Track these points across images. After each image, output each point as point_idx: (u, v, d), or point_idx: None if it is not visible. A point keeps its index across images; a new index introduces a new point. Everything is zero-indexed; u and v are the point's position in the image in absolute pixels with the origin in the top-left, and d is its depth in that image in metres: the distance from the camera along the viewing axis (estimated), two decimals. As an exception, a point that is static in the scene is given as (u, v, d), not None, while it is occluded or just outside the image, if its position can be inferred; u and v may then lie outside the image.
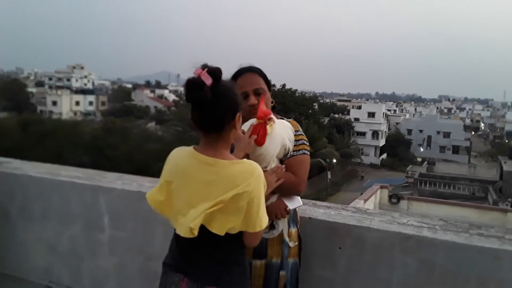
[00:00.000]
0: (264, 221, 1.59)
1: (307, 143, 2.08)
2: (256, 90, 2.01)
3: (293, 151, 1.97)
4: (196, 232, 1.54)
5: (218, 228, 1.56)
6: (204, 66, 1.53)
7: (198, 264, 1.65)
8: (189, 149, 1.65)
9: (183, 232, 1.57)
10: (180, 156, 1.66)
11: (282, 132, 1.92)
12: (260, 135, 1.82)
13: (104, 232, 3.01)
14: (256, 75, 2.04)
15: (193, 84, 1.52)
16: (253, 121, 1.88)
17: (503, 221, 15.18)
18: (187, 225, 1.54)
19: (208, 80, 1.50)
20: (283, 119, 2.06)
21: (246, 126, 1.88)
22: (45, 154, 18.45)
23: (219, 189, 1.54)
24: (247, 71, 2.05)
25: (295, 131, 2.01)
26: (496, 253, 1.98)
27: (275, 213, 1.93)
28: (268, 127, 1.83)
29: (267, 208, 1.89)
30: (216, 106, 1.53)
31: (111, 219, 2.99)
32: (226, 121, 1.58)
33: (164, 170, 1.71)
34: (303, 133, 2.08)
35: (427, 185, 30.22)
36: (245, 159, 1.63)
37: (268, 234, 1.95)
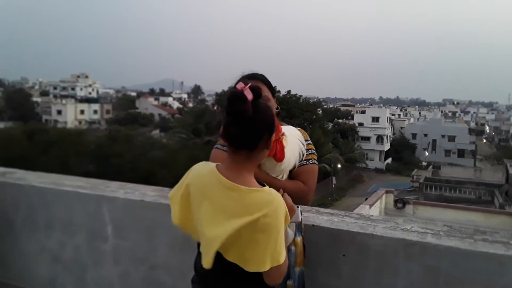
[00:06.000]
0: (282, 255, 1.52)
1: (315, 153, 2.09)
2: None
3: (303, 160, 1.97)
4: (210, 266, 1.52)
5: (235, 257, 1.52)
6: (246, 82, 1.54)
7: None
8: (212, 167, 1.61)
9: (204, 262, 1.56)
10: (202, 173, 1.62)
11: (295, 143, 1.92)
12: (278, 151, 1.81)
13: (107, 241, 3.01)
14: (259, 83, 2.03)
15: (236, 97, 1.50)
16: None
17: (510, 225, 15.07)
18: (205, 256, 1.54)
19: (249, 96, 1.49)
20: (287, 125, 2.05)
21: None
22: (51, 163, 18.55)
23: (234, 215, 1.50)
24: (252, 78, 2.04)
25: (304, 140, 2.02)
26: (501, 258, 1.95)
27: None
28: (283, 141, 1.83)
29: None
30: (254, 122, 1.51)
31: (115, 229, 2.99)
32: (261, 139, 1.55)
33: (185, 180, 1.68)
34: (311, 142, 2.09)
35: (433, 189, 30.09)
36: (266, 187, 1.57)
37: None
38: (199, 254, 1.68)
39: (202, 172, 1.62)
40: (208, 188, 1.57)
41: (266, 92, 2.03)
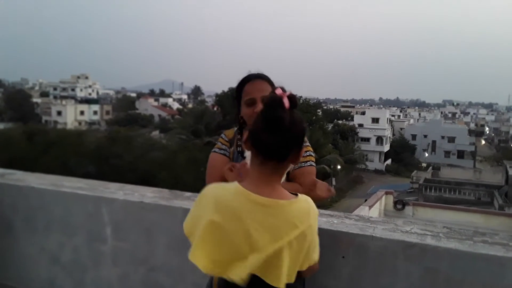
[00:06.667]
0: (318, 253, 1.57)
1: (314, 155, 2.08)
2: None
3: (301, 161, 1.97)
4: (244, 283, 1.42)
5: (275, 279, 1.44)
6: (284, 89, 1.47)
7: None
8: (236, 187, 1.47)
9: (237, 277, 1.42)
10: (226, 199, 1.46)
11: None
12: None
13: (106, 243, 3.00)
14: (265, 83, 2.03)
15: (275, 103, 1.42)
16: None
17: (510, 226, 15.07)
18: (242, 271, 1.42)
19: (287, 103, 1.42)
20: None
21: None
22: (51, 164, 18.54)
23: (279, 233, 1.42)
24: (257, 78, 2.03)
25: None
26: (501, 260, 1.95)
27: None
28: None
29: None
30: (289, 132, 1.42)
31: (114, 230, 2.98)
32: (292, 150, 1.46)
33: (201, 213, 1.49)
34: (309, 144, 2.08)
35: (432, 190, 30.10)
36: (300, 196, 1.52)
37: None
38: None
39: (226, 198, 1.46)
40: (242, 212, 1.42)
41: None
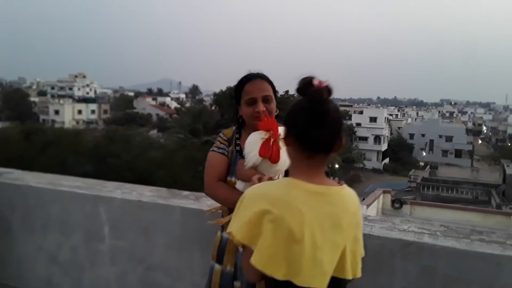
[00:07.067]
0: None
1: None
2: (265, 97, 1.98)
3: None
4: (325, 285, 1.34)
5: (343, 270, 1.39)
6: (319, 79, 1.41)
7: None
8: (285, 180, 1.44)
9: (317, 282, 1.32)
10: (277, 191, 1.38)
11: None
12: (274, 152, 1.80)
13: (104, 242, 3.01)
14: (266, 83, 2.02)
15: (321, 95, 1.38)
16: (256, 135, 1.86)
17: (507, 225, 15.13)
18: (323, 272, 1.33)
19: (328, 95, 1.39)
20: (283, 126, 2.05)
21: (254, 136, 1.88)
22: (48, 163, 18.48)
23: (341, 220, 1.38)
24: (258, 77, 2.02)
25: None
26: (498, 259, 1.96)
27: None
28: (280, 143, 1.82)
29: None
30: (334, 122, 1.39)
31: (112, 229, 2.98)
32: (337, 140, 1.41)
33: (256, 218, 1.35)
34: None
35: (430, 189, 30.12)
36: (344, 184, 1.50)
37: None
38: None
39: (277, 192, 1.39)
40: (299, 203, 1.35)
41: (270, 92, 2.02)
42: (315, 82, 1.39)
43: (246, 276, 1.47)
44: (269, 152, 1.79)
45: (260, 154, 1.80)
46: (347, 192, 1.46)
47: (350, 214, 1.42)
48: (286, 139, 1.45)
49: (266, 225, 1.33)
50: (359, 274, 1.45)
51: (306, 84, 1.41)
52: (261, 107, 1.96)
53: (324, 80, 1.41)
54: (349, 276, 1.40)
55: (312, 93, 1.38)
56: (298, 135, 1.40)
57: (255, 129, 1.88)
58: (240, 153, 2.03)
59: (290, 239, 1.31)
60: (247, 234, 1.35)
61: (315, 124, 1.37)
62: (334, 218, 1.37)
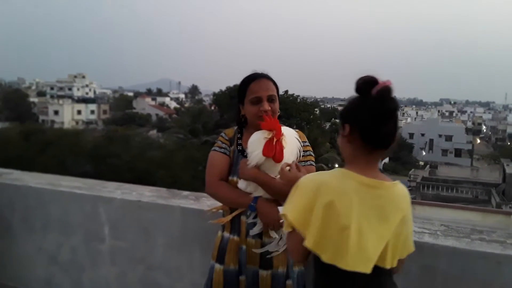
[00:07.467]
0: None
1: (313, 154, 2.08)
2: (270, 97, 1.98)
3: (301, 161, 1.97)
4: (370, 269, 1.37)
5: (392, 261, 1.44)
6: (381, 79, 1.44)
7: None
8: (340, 171, 1.47)
9: (362, 267, 1.37)
10: (332, 181, 1.43)
11: (294, 144, 1.93)
12: (277, 151, 1.81)
13: (104, 242, 3.00)
14: (270, 83, 2.03)
15: (391, 93, 1.41)
16: (259, 135, 1.86)
17: (507, 224, 15.14)
18: (368, 258, 1.37)
19: (393, 92, 1.42)
20: (285, 126, 2.05)
21: (256, 135, 1.87)
22: (48, 164, 18.48)
23: (388, 214, 1.42)
24: (263, 77, 2.03)
25: (302, 141, 2.02)
26: (498, 258, 1.96)
27: (267, 223, 1.89)
28: (283, 142, 1.83)
29: (263, 217, 1.88)
30: (396, 119, 1.43)
31: (112, 229, 2.98)
32: (396, 135, 1.45)
33: (309, 198, 1.42)
34: (309, 144, 2.08)
35: (430, 188, 30.19)
36: (397, 181, 1.52)
37: (271, 246, 1.92)
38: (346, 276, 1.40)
39: (332, 181, 1.43)
40: (351, 191, 1.40)
41: (275, 93, 2.03)
42: (381, 81, 1.41)
43: (291, 256, 1.56)
44: (272, 152, 1.80)
45: (264, 153, 1.81)
46: (399, 188, 1.49)
47: (399, 209, 1.45)
48: (349, 136, 1.46)
49: (319, 210, 1.39)
50: (395, 264, 1.47)
51: (369, 83, 1.42)
52: (266, 106, 1.96)
53: (386, 79, 1.43)
54: (388, 266, 1.43)
55: (381, 91, 1.40)
56: (365, 132, 1.42)
57: (258, 128, 1.88)
58: (242, 153, 2.03)
59: (338, 224, 1.37)
60: (299, 218, 1.43)
61: (384, 121, 1.40)
62: (381, 211, 1.41)
